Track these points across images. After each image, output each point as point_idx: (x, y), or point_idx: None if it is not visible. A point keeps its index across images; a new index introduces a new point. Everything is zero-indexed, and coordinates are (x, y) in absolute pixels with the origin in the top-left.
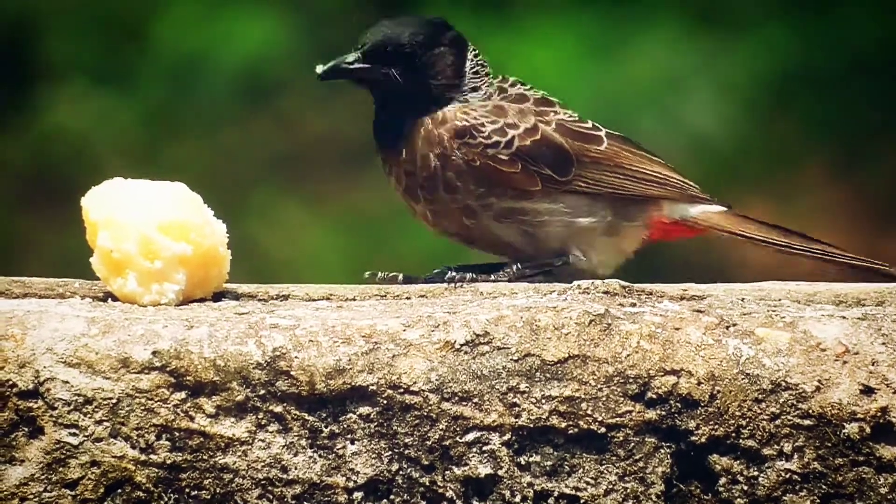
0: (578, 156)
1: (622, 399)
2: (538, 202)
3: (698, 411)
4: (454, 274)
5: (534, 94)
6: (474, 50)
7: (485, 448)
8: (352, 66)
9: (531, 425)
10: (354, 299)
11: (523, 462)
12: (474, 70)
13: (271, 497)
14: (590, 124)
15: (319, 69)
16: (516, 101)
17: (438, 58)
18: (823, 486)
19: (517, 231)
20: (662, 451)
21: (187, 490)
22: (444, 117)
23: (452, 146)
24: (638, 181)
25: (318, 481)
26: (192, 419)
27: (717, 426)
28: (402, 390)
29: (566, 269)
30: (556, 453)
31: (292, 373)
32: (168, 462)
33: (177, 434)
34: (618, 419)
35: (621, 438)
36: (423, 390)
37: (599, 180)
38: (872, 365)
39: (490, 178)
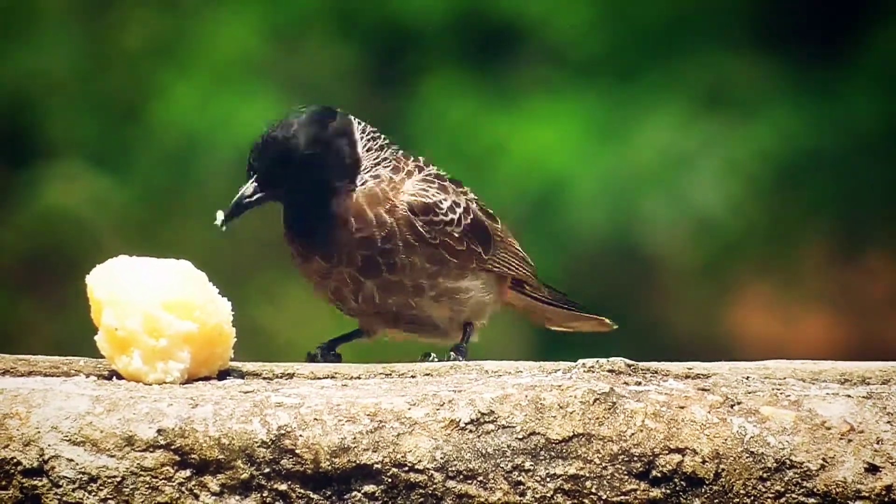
0: (493, 235)
1: (627, 477)
2: (469, 280)
3: (703, 490)
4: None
5: (444, 173)
6: (361, 124)
7: None
8: (252, 198)
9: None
10: (359, 377)
11: None
12: (367, 147)
13: None
14: (483, 202)
15: (220, 216)
16: (440, 179)
17: (332, 153)
18: None
19: (448, 310)
20: None
21: None
22: (396, 188)
23: (416, 223)
24: (519, 261)
25: None
26: (196, 497)
27: None
28: (406, 468)
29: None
30: None
31: (297, 451)
32: None
33: None
34: (622, 497)
35: None
36: (428, 468)
37: (501, 259)
38: (877, 443)
39: (441, 256)
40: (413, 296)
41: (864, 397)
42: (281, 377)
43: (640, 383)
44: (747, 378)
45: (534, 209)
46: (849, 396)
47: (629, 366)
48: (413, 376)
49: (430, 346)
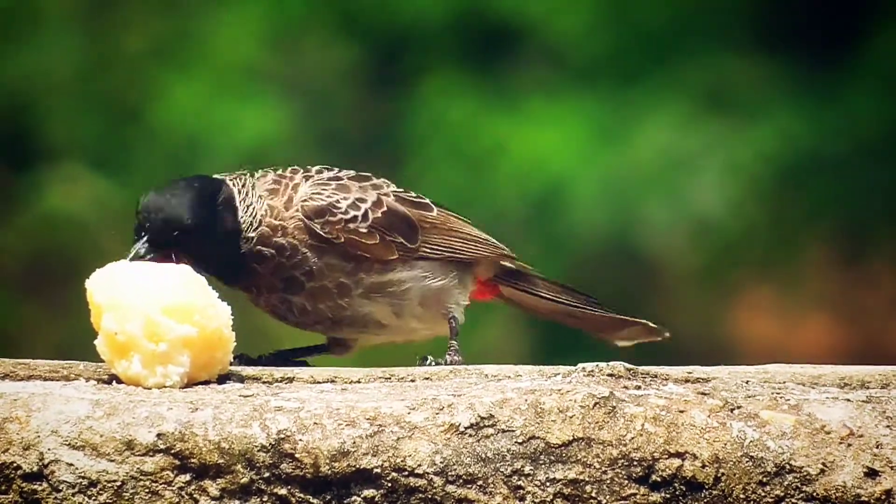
0: (420, 223)
1: (626, 482)
2: (399, 272)
3: (703, 494)
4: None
5: (344, 172)
6: (238, 185)
7: None
8: (145, 259)
9: None
10: (359, 382)
11: None
12: (249, 203)
13: None
14: (413, 194)
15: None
16: (338, 180)
17: (219, 218)
18: None
19: (386, 306)
20: None
21: None
22: (282, 210)
23: (314, 226)
24: (469, 243)
25: None
26: (196, 502)
27: None
28: (406, 473)
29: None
30: None
31: (297, 455)
32: None
33: None
34: (622, 502)
35: None
36: (428, 473)
37: (440, 244)
38: (877, 448)
39: (354, 253)
40: (340, 297)
41: (863, 401)
42: (280, 381)
43: (639, 387)
44: (747, 382)
45: (534, 210)
46: (848, 401)
47: (629, 370)
48: (412, 380)
49: (430, 349)
